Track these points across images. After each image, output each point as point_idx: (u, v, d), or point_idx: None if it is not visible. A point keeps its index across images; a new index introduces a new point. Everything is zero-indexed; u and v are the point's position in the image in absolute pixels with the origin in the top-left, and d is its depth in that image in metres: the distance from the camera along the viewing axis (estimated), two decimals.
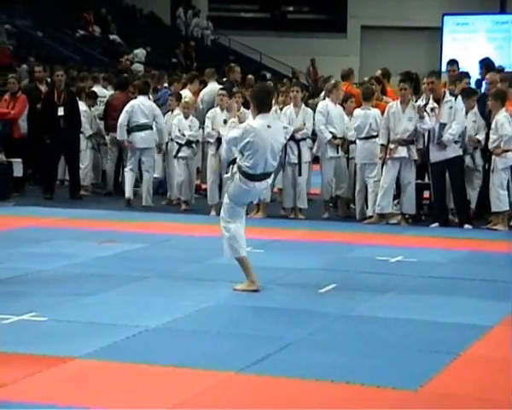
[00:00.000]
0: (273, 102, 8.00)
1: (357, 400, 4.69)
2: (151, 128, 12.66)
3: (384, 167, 11.14)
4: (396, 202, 11.54)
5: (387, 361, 5.35)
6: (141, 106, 12.63)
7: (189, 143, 12.28)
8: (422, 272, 8.17)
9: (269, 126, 7.15)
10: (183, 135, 12.21)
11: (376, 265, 8.47)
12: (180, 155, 12.28)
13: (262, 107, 7.16)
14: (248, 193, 7.29)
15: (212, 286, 7.48)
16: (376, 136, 11.23)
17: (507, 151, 10.72)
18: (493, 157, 10.80)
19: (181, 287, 7.46)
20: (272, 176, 7.51)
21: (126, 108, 12.68)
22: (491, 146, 10.83)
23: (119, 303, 6.81)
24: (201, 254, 8.98)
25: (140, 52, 25.51)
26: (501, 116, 10.75)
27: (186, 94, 13.44)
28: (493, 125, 10.81)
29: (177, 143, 12.29)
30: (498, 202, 10.74)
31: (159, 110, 12.80)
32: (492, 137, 10.79)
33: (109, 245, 9.37)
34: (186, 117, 12.32)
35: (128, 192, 12.69)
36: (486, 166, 11.19)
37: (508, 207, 10.81)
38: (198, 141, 12.50)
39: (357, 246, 9.60)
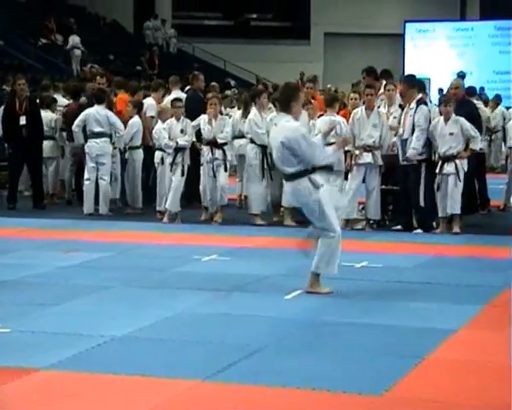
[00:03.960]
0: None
1: (322, 406, 4.71)
2: (107, 136, 12.58)
3: (349, 174, 11.20)
4: (361, 207, 11.60)
5: (353, 366, 5.37)
6: (96, 115, 12.57)
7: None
8: (387, 278, 8.21)
9: (275, 125, 7.55)
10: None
11: (341, 270, 8.45)
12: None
13: (280, 107, 7.64)
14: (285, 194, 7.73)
15: (177, 294, 7.46)
16: None
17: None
18: (457, 161, 10.82)
19: (146, 296, 7.43)
20: (290, 183, 7.33)
21: (81, 115, 12.67)
22: (453, 151, 10.84)
23: (84, 313, 6.76)
24: (166, 262, 8.95)
25: (75, 37, 25.93)
26: (463, 119, 10.82)
27: (150, 102, 13.43)
28: (453, 130, 10.81)
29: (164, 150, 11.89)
30: (458, 203, 10.81)
31: (115, 118, 12.66)
32: (455, 140, 10.80)
33: (74, 254, 9.31)
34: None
35: (87, 209, 12.56)
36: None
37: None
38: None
39: None
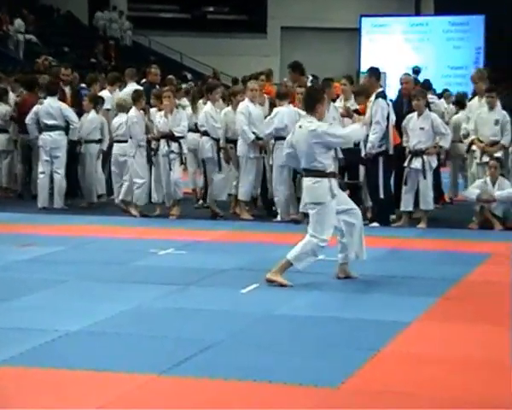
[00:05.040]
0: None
1: (279, 399, 4.71)
2: (61, 129, 12.45)
3: None
4: None
5: (309, 359, 5.39)
6: (48, 107, 12.43)
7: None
8: None
9: (300, 127, 7.65)
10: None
11: None
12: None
13: (305, 108, 7.83)
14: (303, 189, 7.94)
15: (133, 288, 7.42)
16: None
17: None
18: (425, 157, 10.89)
19: (102, 290, 7.38)
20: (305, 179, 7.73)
21: (34, 108, 12.53)
22: (422, 145, 10.89)
23: (39, 307, 6.69)
24: (123, 256, 8.90)
25: (19, 21, 25.80)
26: (434, 115, 10.93)
27: (106, 95, 13.35)
28: (424, 125, 10.90)
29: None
30: (430, 200, 10.92)
31: (68, 110, 12.54)
32: (425, 135, 10.88)
33: (28, 249, 9.20)
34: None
35: (41, 203, 12.41)
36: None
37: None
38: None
39: (278, 246, 9.62)
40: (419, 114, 10.94)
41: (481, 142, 11.44)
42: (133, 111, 11.82)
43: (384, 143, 10.92)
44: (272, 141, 11.51)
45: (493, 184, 11.01)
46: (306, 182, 7.68)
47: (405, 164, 10.99)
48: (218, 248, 9.55)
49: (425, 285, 7.66)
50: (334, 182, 7.61)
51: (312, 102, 7.68)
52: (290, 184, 11.39)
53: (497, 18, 26.98)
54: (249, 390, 4.82)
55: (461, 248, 9.68)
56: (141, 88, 12.98)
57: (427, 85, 13.79)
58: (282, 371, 5.10)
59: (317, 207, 7.55)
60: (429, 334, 6.11)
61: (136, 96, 11.92)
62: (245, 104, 11.72)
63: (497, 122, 11.36)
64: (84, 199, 12.94)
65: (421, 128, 10.88)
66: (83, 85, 14.60)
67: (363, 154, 11.03)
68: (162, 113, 11.60)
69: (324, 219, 7.53)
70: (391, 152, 10.99)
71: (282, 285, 7.44)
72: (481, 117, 11.52)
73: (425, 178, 10.87)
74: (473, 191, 11.16)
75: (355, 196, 11.97)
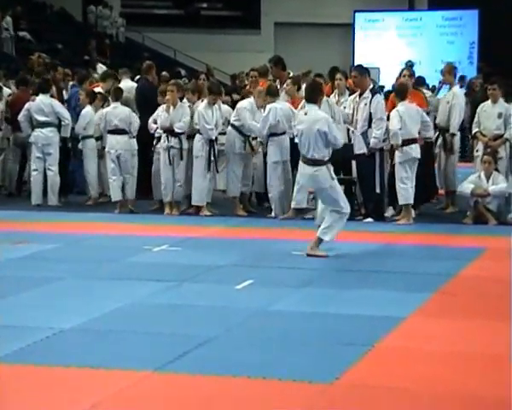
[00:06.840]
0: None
1: (273, 395, 4.71)
2: (53, 126, 12.40)
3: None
4: (311, 196, 11.61)
5: (304, 355, 5.38)
6: (40, 104, 12.40)
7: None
8: (338, 266, 8.26)
9: (305, 114, 8.69)
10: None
11: (293, 260, 8.52)
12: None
13: (309, 98, 8.82)
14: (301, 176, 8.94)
15: (127, 285, 7.41)
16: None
17: (403, 145, 10.78)
18: (396, 151, 10.90)
19: (96, 287, 7.37)
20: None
21: (26, 105, 12.50)
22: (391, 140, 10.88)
23: (33, 305, 6.68)
24: (117, 253, 8.88)
25: (10, 18, 25.77)
26: (393, 110, 10.87)
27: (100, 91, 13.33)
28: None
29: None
30: (400, 195, 10.86)
31: (60, 106, 12.52)
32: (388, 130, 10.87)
33: (22, 246, 9.18)
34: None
35: (34, 200, 12.39)
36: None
37: (411, 201, 10.89)
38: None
39: (273, 241, 9.64)
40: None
41: (484, 136, 11.46)
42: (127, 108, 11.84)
43: (387, 138, 10.91)
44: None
45: (487, 178, 11.01)
46: (307, 170, 8.63)
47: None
48: (212, 245, 9.54)
49: (420, 280, 7.66)
50: (331, 167, 8.65)
51: (316, 94, 8.78)
52: (284, 179, 11.39)
53: (491, 13, 26.96)
54: (244, 386, 4.82)
55: (455, 243, 9.69)
56: (134, 85, 12.96)
57: (420, 81, 13.77)
58: (276, 368, 5.10)
59: (325, 193, 8.59)
60: (424, 329, 6.12)
61: (120, 93, 11.92)
62: (250, 101, 11.74)
63: (500, 115, 11.38)
64: (89, 196, 12.86)
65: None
66: (74, 83, 14.54)
67: (365, 150, 10.93)
68: (164, 106, 11.56)
69: (338, 198, 8.60)
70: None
71: (320, 256, 8.43)
72: (484, 110, 11.53)
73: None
74: (467, 186, 11.18)
75: (349, 192, 12.03)
